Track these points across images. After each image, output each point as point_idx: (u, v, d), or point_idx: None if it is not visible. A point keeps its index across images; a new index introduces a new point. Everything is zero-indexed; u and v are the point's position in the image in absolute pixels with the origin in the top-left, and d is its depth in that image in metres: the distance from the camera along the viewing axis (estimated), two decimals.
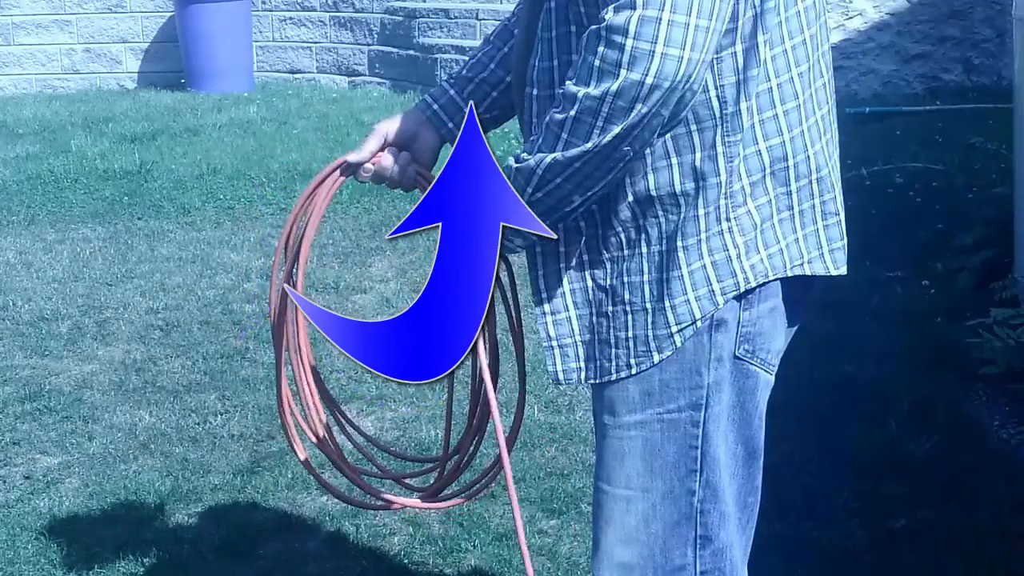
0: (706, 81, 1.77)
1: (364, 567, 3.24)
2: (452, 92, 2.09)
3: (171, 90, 9.68)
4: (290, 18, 9.96)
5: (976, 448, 3.71)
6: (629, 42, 1.66)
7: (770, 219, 1.84)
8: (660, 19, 1.65)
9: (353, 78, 9.76)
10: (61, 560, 3.29)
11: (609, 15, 1.68)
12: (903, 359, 4.30)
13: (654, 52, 1.65)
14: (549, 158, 1.75)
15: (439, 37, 9.18)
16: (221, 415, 4.13)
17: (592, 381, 1.92)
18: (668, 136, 1.79)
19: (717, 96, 1.78)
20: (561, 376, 1.92)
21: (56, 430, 4.06)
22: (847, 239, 1.96)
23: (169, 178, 6.99)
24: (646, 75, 1.66)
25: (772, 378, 1.94)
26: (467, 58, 2.13)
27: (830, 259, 1.91)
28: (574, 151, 1.73)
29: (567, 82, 1.73)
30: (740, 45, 1.77)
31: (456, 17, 9.15)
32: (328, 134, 7.96)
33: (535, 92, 1.88)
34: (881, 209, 5.63)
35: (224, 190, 6.75)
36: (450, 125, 2.08)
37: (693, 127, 1.79)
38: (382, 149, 2.05)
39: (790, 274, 1.87)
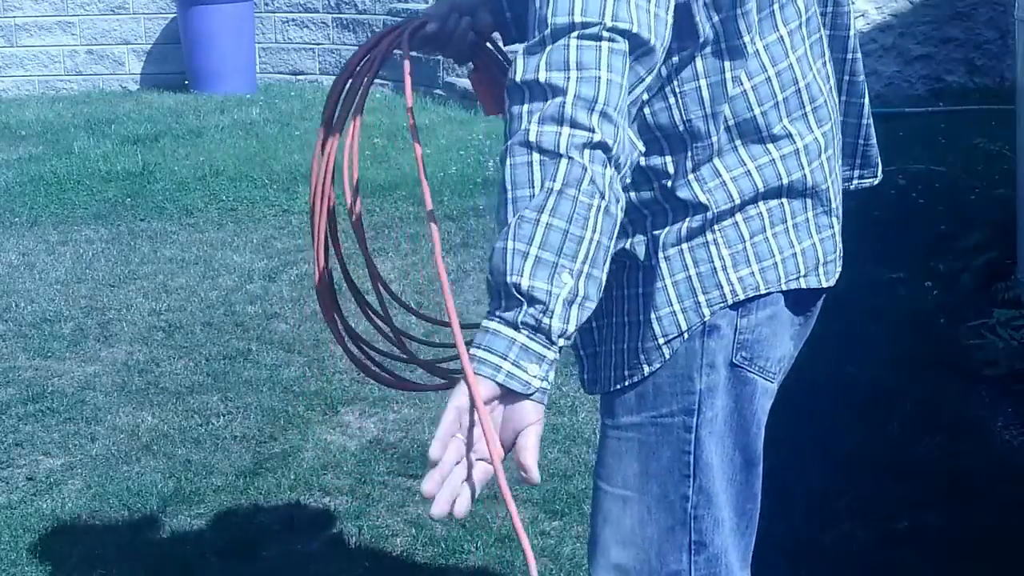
0: (672, 117, 1.78)
1: (367, 568, 3.24)
2: None
3: (174, 92, 9.69)
4: (293, 20, 9.96)
5: (979, 449, 3.71)
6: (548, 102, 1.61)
7: (762, 232, 1.83)
8: (568, 78, 1.58)
9: None
10: (64, 561, 3.30)
11: (519, 71, 1.59)
12: (905, 360, 4.30)
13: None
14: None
15: None
16: (224, 416, 4.13)
17: (599, 392, 1.95)
18: (645, 165, 1.81)
19: (686, 130, 1.79)
20: (586, 386, 1.97)
21: (59, 431, 4.06)
22: (846, 242, 1.96)
23: (172, 180, 7.00)
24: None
25: (773, 386, 1.93)
26: None
27: (822, 272, 1.90)
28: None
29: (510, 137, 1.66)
30: (704, 80, 1.77)
31: None
32: None
33: None
34: (884, 210, 5.63)
35: (227, 191, 6.76)
36: (508, 15, 2.05)
37: (668, 158, 1.81)
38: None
39: (785, 288, 1.87)
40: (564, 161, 1.50)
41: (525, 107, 1.54)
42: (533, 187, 1.51)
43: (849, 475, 3.55)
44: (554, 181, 1.49)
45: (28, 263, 5.75)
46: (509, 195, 1.52)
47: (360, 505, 3.54)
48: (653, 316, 1.84)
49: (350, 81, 2.13)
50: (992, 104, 7.39)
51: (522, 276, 1.48)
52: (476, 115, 8.09)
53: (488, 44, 2.09)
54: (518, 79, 1.56)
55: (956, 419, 3.88)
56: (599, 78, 1.53)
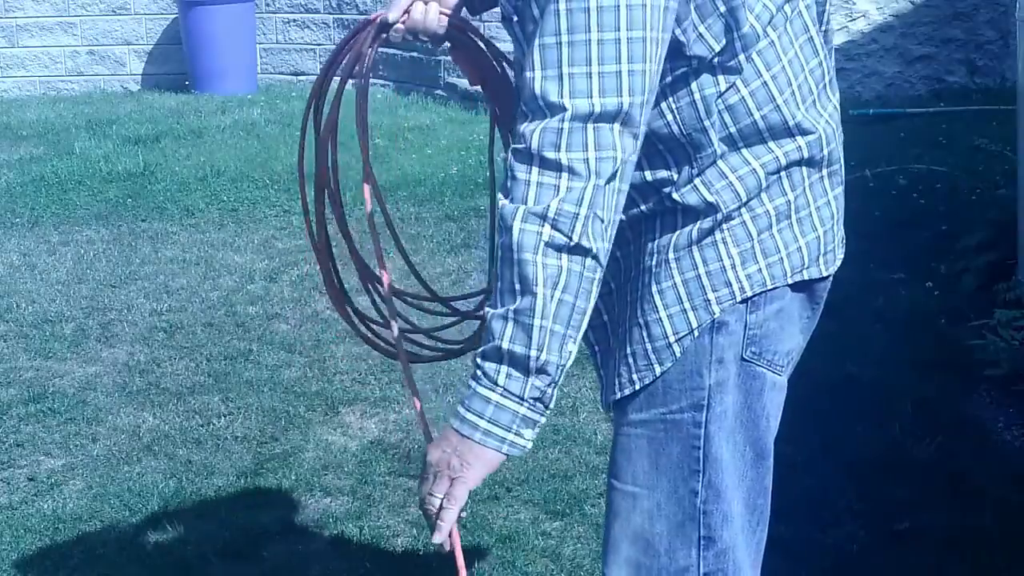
0: (672, 133, 1.80)
1: (367, 569, 3.24)
2: None
3: (175, 92, 9.69)
4: (294, 20, 9.97)
5: (980, 450, 3.71)
6: (564, 156, 1.65)
7: (768, 229, 1.85)
8: (586, 127, 1.65)
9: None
10: (64, 561, 3.30)
11: (536, 137, 1.66)
12: (906, 361, 4.30)
13: (588, 159, 1.65)
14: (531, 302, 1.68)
15: None
16: (225, 417, 4.13)
17: (608, 402, 1.96)
18: (651, 179, 1.83)
19: (688, 142, 1.81)
20: (601, 405, 2.00)
21: (60, 432, 4.07)
22: (847, 243, 1.98)
23: (173, 180, 7.00)
24: (589, 177, 1.65)
25: (782, 379, 1.95)
26: None
27: (822, 262, 1.92)
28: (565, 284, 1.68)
29: (504, 199, 1.68)
30: (698, 94, 1.79)
31: None
32: None
33: None
34: (885, 211, 5.63)
35: (228, 192, 6.76)
36: None
37: (673, 169, 1.83)
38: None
39: (790, 282, 1.88)
40: (574, 244, 1.64)
41: (537, 177, 1.65)
42: (536, 253, 1.64)
43: (849, 475, 3.56)
44: (563, 258, 1.65)
45: (29, 263, 5.75)
46: (515, 256, 1.65)
47: (361, 506, 3.54)
48: (664, 315, 1.85)
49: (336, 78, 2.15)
50: (993, 105, 7.38)
51: (542, 351, 1.65)
52: (477, 116, 8.09)
53: (457, 22, 2.06)
54: (533, 149, 1.65)
55: (956, 419, 3.88)
56: (615, 158, 1.65)
